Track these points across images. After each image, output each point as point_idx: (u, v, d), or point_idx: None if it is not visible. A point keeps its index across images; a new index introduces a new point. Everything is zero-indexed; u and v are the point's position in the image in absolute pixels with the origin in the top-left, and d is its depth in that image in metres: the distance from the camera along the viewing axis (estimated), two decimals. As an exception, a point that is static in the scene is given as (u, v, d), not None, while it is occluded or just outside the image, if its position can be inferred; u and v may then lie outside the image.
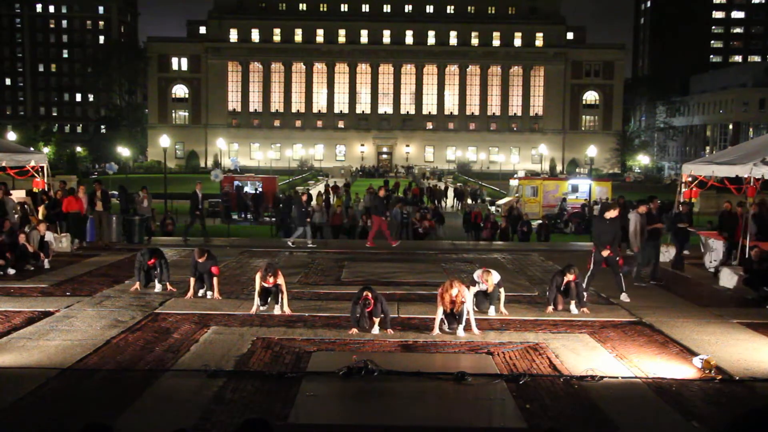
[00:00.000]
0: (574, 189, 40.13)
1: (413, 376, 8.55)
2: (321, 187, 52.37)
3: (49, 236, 16.97)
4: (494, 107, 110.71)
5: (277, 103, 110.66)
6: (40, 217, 19.22)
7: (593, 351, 9.84)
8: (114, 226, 20.89)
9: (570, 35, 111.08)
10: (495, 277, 11.85)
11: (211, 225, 32.08)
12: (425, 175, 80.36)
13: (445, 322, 10.67)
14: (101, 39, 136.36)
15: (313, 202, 28.67)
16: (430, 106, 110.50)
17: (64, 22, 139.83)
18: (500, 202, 41.64)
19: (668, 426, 7.37)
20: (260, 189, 41.10)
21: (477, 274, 11.99)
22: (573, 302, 12.07)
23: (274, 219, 32.27)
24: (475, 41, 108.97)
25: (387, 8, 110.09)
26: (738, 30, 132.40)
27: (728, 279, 14.80)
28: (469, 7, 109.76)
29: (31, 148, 27.22)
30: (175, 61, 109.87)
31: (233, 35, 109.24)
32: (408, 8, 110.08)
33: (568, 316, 11.77)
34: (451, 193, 50.79)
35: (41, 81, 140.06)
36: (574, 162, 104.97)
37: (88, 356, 9.27)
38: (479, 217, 27.43)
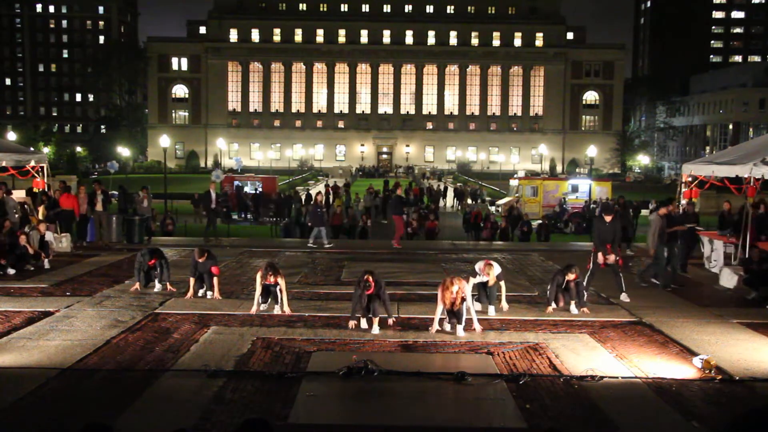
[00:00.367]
0: (574, 189, 40.16)
1: (413, 376, 8.55)
2: (321, 187, 52.38)
3: (49, 236, 16.98)
4: (494, 107, 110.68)
5: (277, 103, 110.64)
6: (40, 217, 19.21)
7: (593, 351, 9.84)
8: (114, 226, 20.90)
9: (570, 35, 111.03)
10: (496, 269, 11.85)
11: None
12: (425, 175, 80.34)
13: (446, 317, 10.67)
14: (101, 39, 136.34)
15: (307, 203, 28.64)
16: (430, 106, 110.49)
17: (64, 22, 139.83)
18: (500, 202, 41.65)
19: (668, 426, 7.36)
20: (260, 189, 41.13)
21: (479, 266, 11.97)
22: (573, 302, 12.07)
23: (273, 219, 32.27)
24: (475, 41, 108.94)
25: (387, 8, 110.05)
26: (738, 30, 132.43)
27: (728, 279, 14.80)
28: (469, 7, 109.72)
29: (32, 148, 27.22)
30: (175, 61, 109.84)
31: (233, 35, 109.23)
32: (408, 8, 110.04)
33: (568, 316, 11.77)
34: (451, 193, 50.80)
35: (41, 81, 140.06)
36: (574, 162, 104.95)
37: (88, 356, 9.27)
38: (479, 217, 27.43)
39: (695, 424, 7.31)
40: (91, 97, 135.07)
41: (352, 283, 14.41)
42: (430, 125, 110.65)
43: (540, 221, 27.61)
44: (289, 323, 11.16)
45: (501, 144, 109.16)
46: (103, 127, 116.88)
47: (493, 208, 38.64)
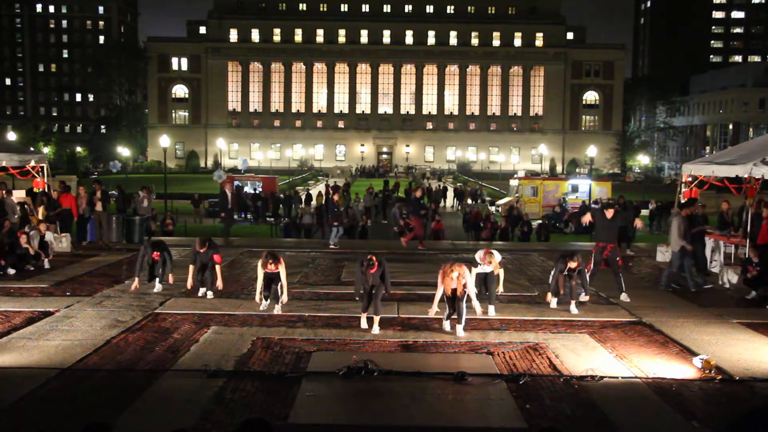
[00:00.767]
0: (574, 189, 40.17)
1: (413, 376, 8.55)
2: (321, 187, 52.38)
3: (49, 236, 16.98)
4: (494, 107, 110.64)
5: (277, 103, 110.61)
6: (40, 217, 19.21)
7: (593, 351, 9.84)
8: (114, 226, 20.89)
9: (570, 35, 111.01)
10: (497, 257, 11.79)
11: (211, 225, 32.14)
12: (425, 176, 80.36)
13: (447, 310, 10.65)
14: (101, 39, 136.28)
15: (304, 204, 28.61)
16: (430, 106, 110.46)
17: (64, 22, 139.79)
18: (500, 202, 41.67)
19: (668, 426, 7.36)
20: (260, 189, 41.15)
21: (479, 255, 11.75)
22: (573, 302, 12.07)
23: (274, 219, 32.29)
24: (475, 41, 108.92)
25: (387, 8, 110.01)
26: (738, 30, 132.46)
27: (728, 279, 14.79)
28: (469, 7, 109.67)
29: (32, 148, 27.21)
30: (175, 61, 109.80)
31: (233, 35, 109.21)
32: (408, 8, 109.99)
33: (568, 316, 11.77)
34: (450, 193, 50.80)
35: (41, 81, 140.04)
36: (574, 162, 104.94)
37: (88, 356, 9.27)
38: (479, 217, 27.43)
39: (695, 424, 7.31)
40: (91, 97, 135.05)
41: (352, 283, 14.44)
42: (430, 125, 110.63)
43: (540, 221, 27.63)
44: (289, 323, 11.17)
45: (501, 144, 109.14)
46: (103, 127, 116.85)
47: (493, 208, 38.64)
